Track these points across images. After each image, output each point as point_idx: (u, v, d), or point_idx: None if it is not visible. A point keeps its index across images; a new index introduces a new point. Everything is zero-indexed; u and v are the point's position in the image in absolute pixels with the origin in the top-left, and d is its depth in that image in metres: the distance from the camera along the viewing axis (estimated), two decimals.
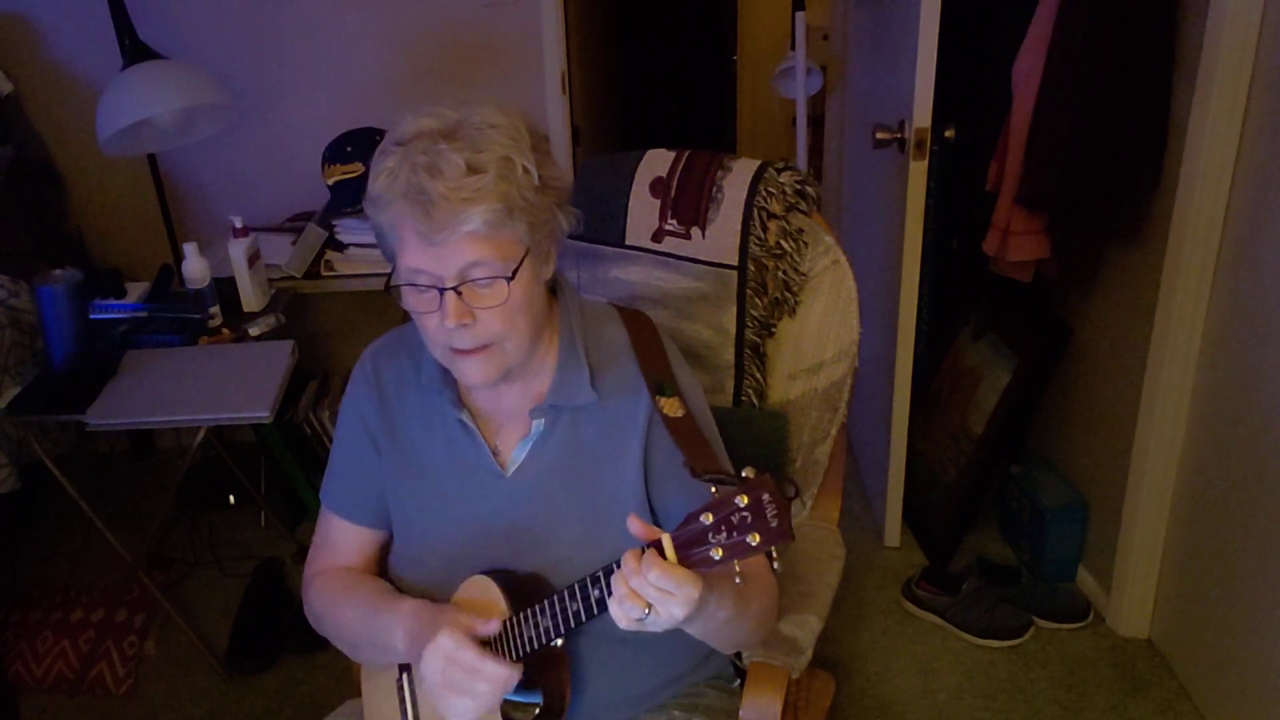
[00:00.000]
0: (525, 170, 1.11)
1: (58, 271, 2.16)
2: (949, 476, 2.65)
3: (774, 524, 0.94)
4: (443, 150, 1.08)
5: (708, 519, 0.96)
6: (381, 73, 2.88)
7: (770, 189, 1.56)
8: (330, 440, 1.82)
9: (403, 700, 1.28)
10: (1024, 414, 2.66)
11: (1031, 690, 2.20)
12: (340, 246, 2.57)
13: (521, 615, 1.16)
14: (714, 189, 1.58)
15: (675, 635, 1.06)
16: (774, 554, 0.99)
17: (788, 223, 1.57)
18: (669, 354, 1.30)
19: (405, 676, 1.29)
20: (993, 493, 2.69)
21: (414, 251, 1.11)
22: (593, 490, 1.23)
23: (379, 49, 2.87)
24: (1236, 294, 1.92)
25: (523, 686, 1.20)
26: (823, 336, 1.58)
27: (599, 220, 1.64)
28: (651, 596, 0.97)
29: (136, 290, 2.52)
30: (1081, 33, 2.02)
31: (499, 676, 1.11)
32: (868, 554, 2.64)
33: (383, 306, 1.54)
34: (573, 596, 1.10)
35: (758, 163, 1.59)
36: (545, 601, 1.13)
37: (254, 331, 2.32)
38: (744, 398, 1.62)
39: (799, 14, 2.95)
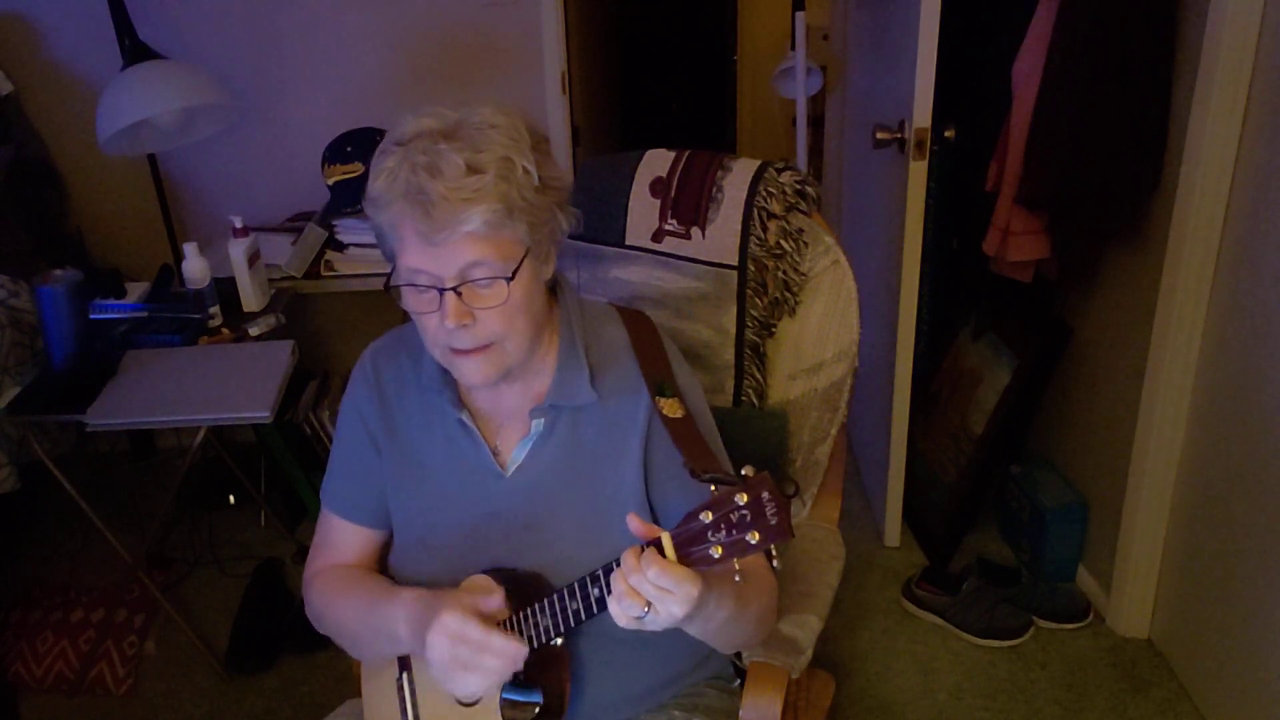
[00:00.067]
0: (525, 170, 1.11)
1: (58, 271, 2.16)
2: (949, 476, 2.65)
3: (773, 522, 0.94)
4: (442, 150, 1.08)
5: (707, 517, 0.96)
6: (381, 73, 2.88)
7: (770, 189, 1.56)
8: (330, 440, 1.82)
9: (402, 700, 1.28)
10: (1024, 414, 2.66)
11: (1031, 690, 2.20)
12: (340, 246, 2.57)
13: (521, 614, 1.16)
14: (714, 189, 1.58)
15: (675, 635, 1.06)
16: (774, 553, 0.99)
17: (788, 223, 1.57)
18: (669, 354, 1.30)
19: (405, 676, 1.29)
20: (993, 493, 2.69)
21: (414, 251, 1.11)
22: (592, 490, 1.23)
23: (379, 49, 2.87)
24: (1236, 294, 1.92)
25: (523, 686, 1.20)
26: (823, 336, 1.58)
27: (599, 220, 1.64)
28: (651, 595, 0.97)
29: (136, 290, 2.52)
30: (1081, 33, 2.02)
31: (508, 650, 1.10)
32: (868, 554, 2.64)
33: (383, 306, 1.54)
34: (572, 595, 1.10)
35: (758, 163, 1.59)
36: (545, 601, 1.13)
37: (254, 331, 2.32)
38: (744, 398, 1.62)
39: (799, 14, 2.95)
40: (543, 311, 1.22)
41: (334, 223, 2.57)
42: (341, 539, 1.37)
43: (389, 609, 1.22)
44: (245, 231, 2.38)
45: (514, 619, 1.16)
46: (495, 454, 1.27)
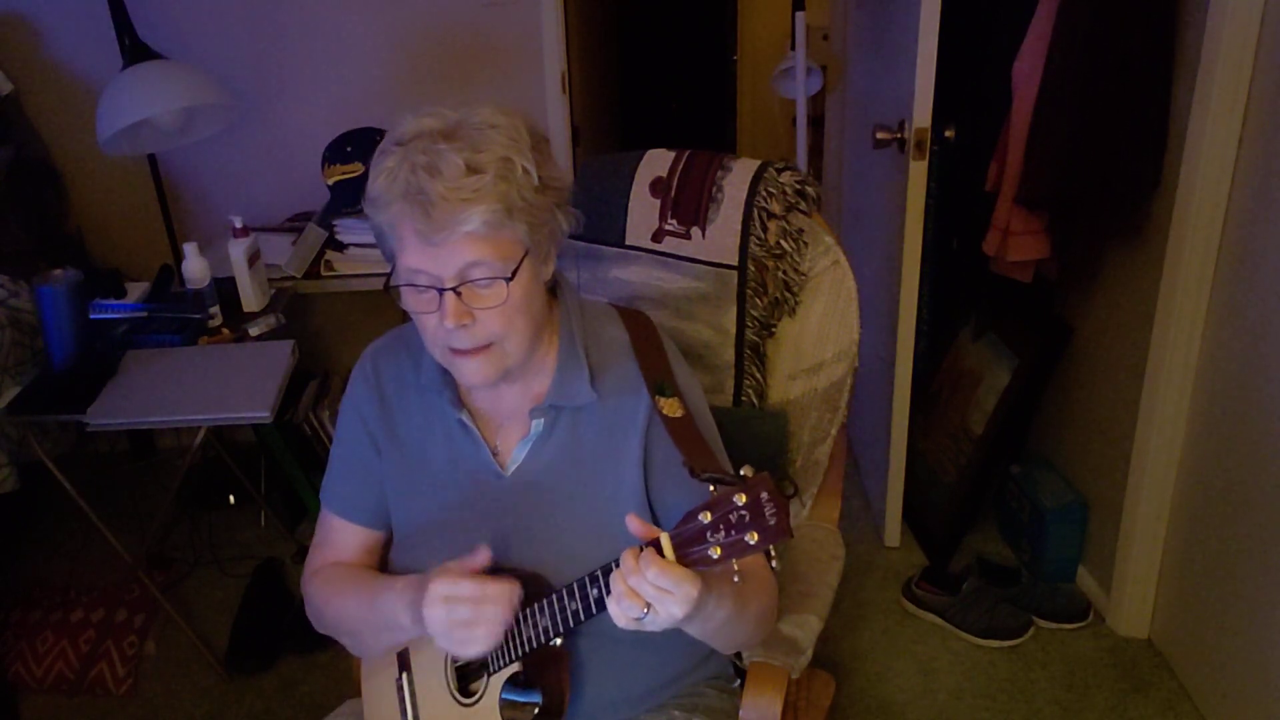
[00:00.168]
0: (525, 171, 1.11)
1: (58, 271, 2.16)
2: (949, 476, 2.65)
3: (772, 522, 0.94)
4: (442, 150, 1.08)
5: (706, 518, 0.96)
6: (381, 73, 2.88)
7: (770, 189, 1.56)
8: (330, 440, 1.82)
9: (402, 700, 1.29)
10: (1024, 414, 2.66)
11: (1031, 690, 2.20)
12: (340, 246, 2.57)
13: (521, 614, 1.16)
14: (714, 189, 1.58)
15: (675, 635, 1.06)
16: (773, 553, 0.99)
17: (788, 223, 1.57)
18: (669, 354, 1.30)
19: (405, 676, 1.29)
20: (993, 493, 2.69)
21: (413, 251, 1.11)
22: (592, 490, 1.23)
23: (379, 49, 2.87)
24: (1236, 294, 1.92)
25: (522, 686, 1.20)
26: (823, 336, 1.58)
27: (599, 220, 1.64)
28: (650, 595, 0.97)
29: (136, 290, 2.52)
30: (1081, 32, 2.02)
31: (503, 593, 1.10)
32: (868, 554, 2.64)
33: (383, 306, 1.54)
34: (571, 596, 1.10)
35: (758, 163, 1.59)
36: (544, 601, 1.13)
37: (254, 331, 2.32)
38: (744, 398, 1.62)
39: (799, 14, 2.95)
40: (542, 312, 1.22)
41: (334, 223, 2.57)
42: (341, 539, 1.37)
43: (387, 599, 1.22)
44: (245, 231, 2.38)
45: (514, 619, 1.16)
46: (495, 454, 1.27)
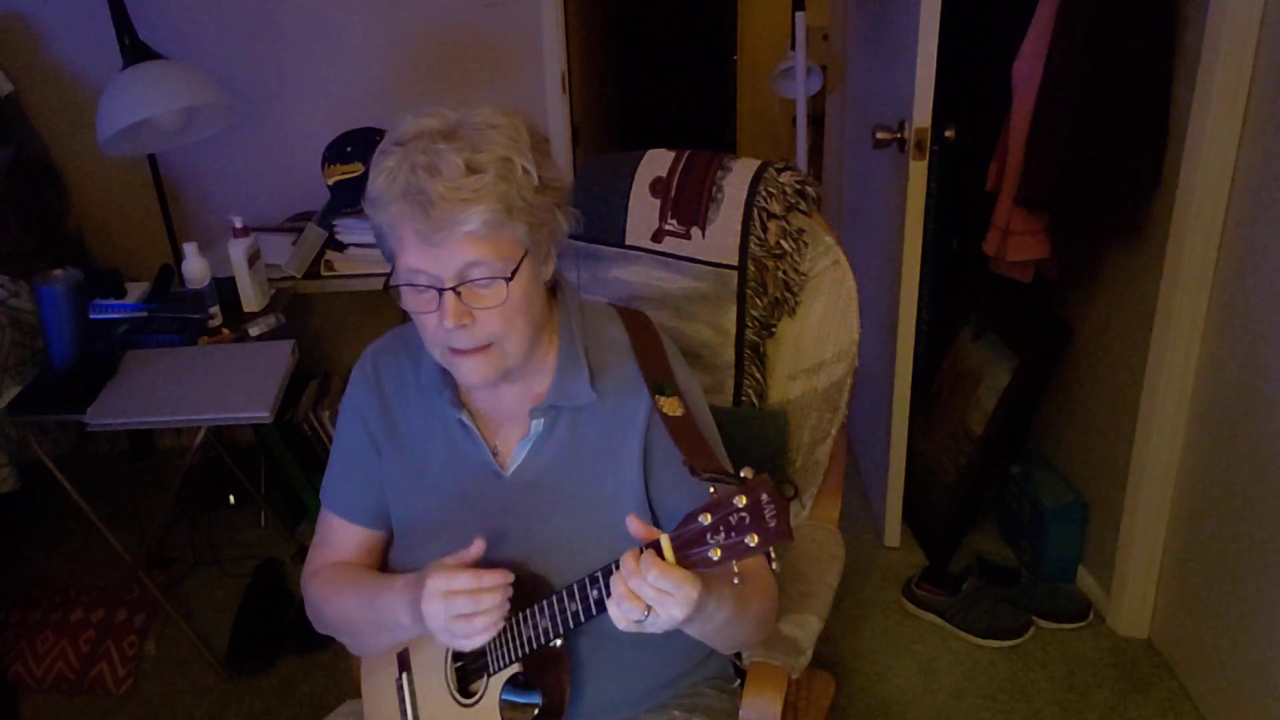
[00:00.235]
0: (525, 171, 1.11)
1: (58, 271, 2.16)
2: (949, 476, 2.65)
3: (772, 524, 0.94)
4: (442, 150, 1.08)
5: (706, 519, 0.96)
6: (381, 73, 2.88)
7: (770, 189, 1.56)
8: (330, 440, 1.82)
9: (402, 700, 1.29)
10: (1024, 414, 2.66)
11: (1031, 690, 2.20)
12: (340, 246, 2.57)
13: (521, 615, 1.16)
14: (714, 189, 1.58)
15: (675, 636, 1.06)
16: (773, 554, 0.99)
17: (788, 223, 1.57)
18: (668, 354, 1.30)
19: (405, 676, 1.29)
20: (993, 493, 2.69)
21: (413, 251, 1.11)
22: (592, 490, 1.23)
23: (379, 49, 2.87)
24: (1236, 294, 1.92)
25: (522, 687, 1.20)
26: (823, 336, 1.58)
27: (599, 220, 1.64)
28: (650, 597, 0.97)
29: (136, 290, 2.52)
30: (1081, 32, 2.02)
31: (499, 579, 1.11)
32: (868, 554, 2.64)
33: (383, 306, 1.54)
34: (571, 597, 1.10)
35: (758, 163, 1.59)
36: (544, 601, 1.13)
37: (254, 331, 2.32)
38: (744, 398, 1.62)
39: (799, 14, 2.95)
40: (542, 312, 1.22)
41: (334, 223, 2.57)
42: (341, 539, 1.37)
43: (387, 598, 1.22)
44: (245, 231, 2.38)
45: (513, 619, 1.16)
46: (495, 454, 1.27)
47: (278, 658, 2.38)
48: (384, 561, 1.38)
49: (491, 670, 1.23)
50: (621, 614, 0.99)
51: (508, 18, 2.84)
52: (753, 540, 0.94)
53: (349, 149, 2.56)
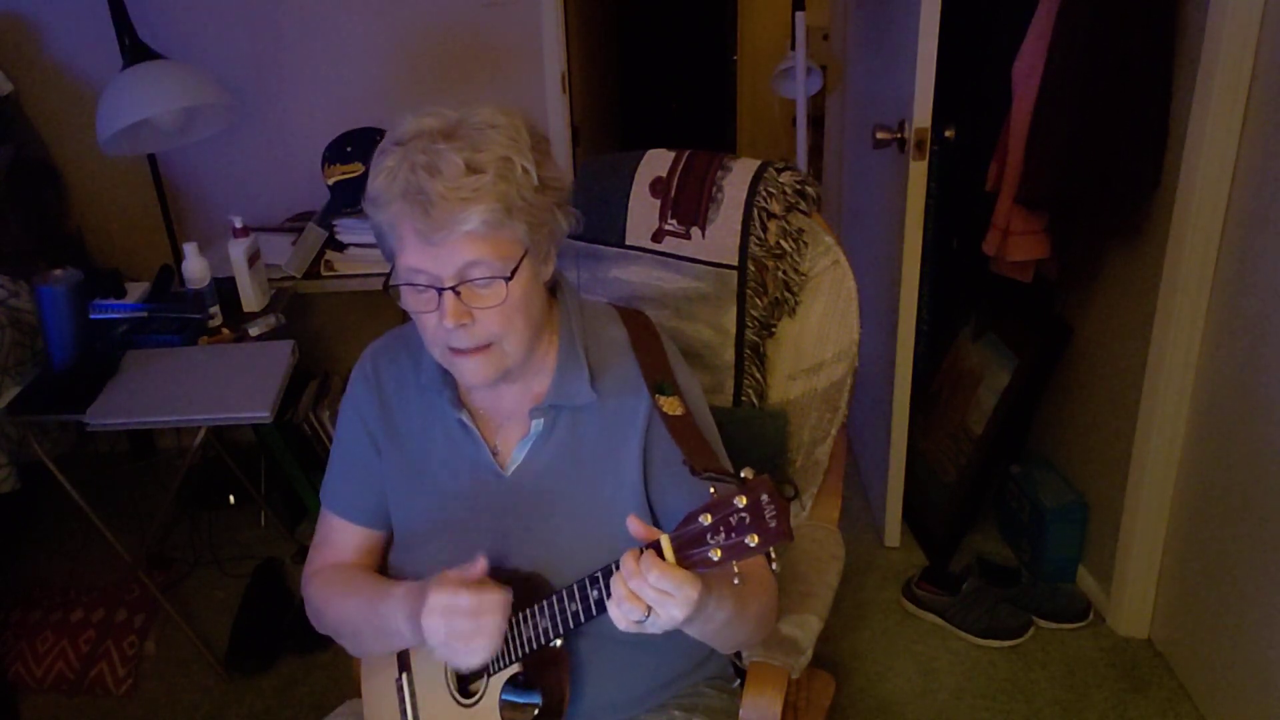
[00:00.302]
0: (524, 170, 1.11)
1: (58, 271, 2.16)
2: (949, 476, 2.65)
3: (772, 525, 0.94)
4: (442, 150, 1.08)
5: (706, 520, 0.96)
6: (381, 73, 2.88)
7: (770, 189, 1.56)
8: (330, 440, 1.82)
9: (402, 700, 1.29)
10: (1024, 414, 2.66)
11: (1031, 690, 2.20)
12: (340, 246, 2.57)
13: (521, 615, 1.16)
14: (714, 189, 1.58)
15: (675, 636, 1.06)
16: (773, 555, 0.99)
17: (788, 223, 1.57)
18: (668, 353, 1.30)
19: (405, 676, 1.29)
20: (993, 493, 2.69)
21: (413, 251, 1.11)
22: (592, 490, 1.23)
23: (379, 49, 2.87)
24: (1236, 294, 1.92)
25: (522, 687, 1.20)
26: (823, 336, 1.58)
27: (599, 220, 1.64)
28: (650, 598, 0.97)
29: (136, 290, 2.52)
30: (1081, 32, 2.02)
31: (499, 602, 1.11)
32: (868, 554, 2.64)
33: (383, 306, 1.54)
34: (571, 597, 1.10)
35: (758, 163, 1.59)
36: (544, 602, 1.13)
37: (254, 331, 2.32)
38: (744, 398, 1.62)
39: (799, 14, 2.95)
40: (542, 311, 1.22)
41: (334, 223, 2.57)
42: (341, 539, 1.37)
43: (387, 607, 1.22)
44: (245, 231, 2.38)
45: (513, 620, 1.16)
46: (495, 454, 1.27)
47: (278, 658, 2.38)
48: (384, 561, 1.38)
49: (491, 670, 1.23)
50: (622, 614, 0.99)
51: (508, 18, 2.84)
52: (753, 540, 0.94)
53: (349, 149, 2.56)
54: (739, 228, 1.56)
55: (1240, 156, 1.89)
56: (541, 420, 1.24)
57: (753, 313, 1.58)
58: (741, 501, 0.94)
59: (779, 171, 1.58)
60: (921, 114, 2.18)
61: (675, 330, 1.61)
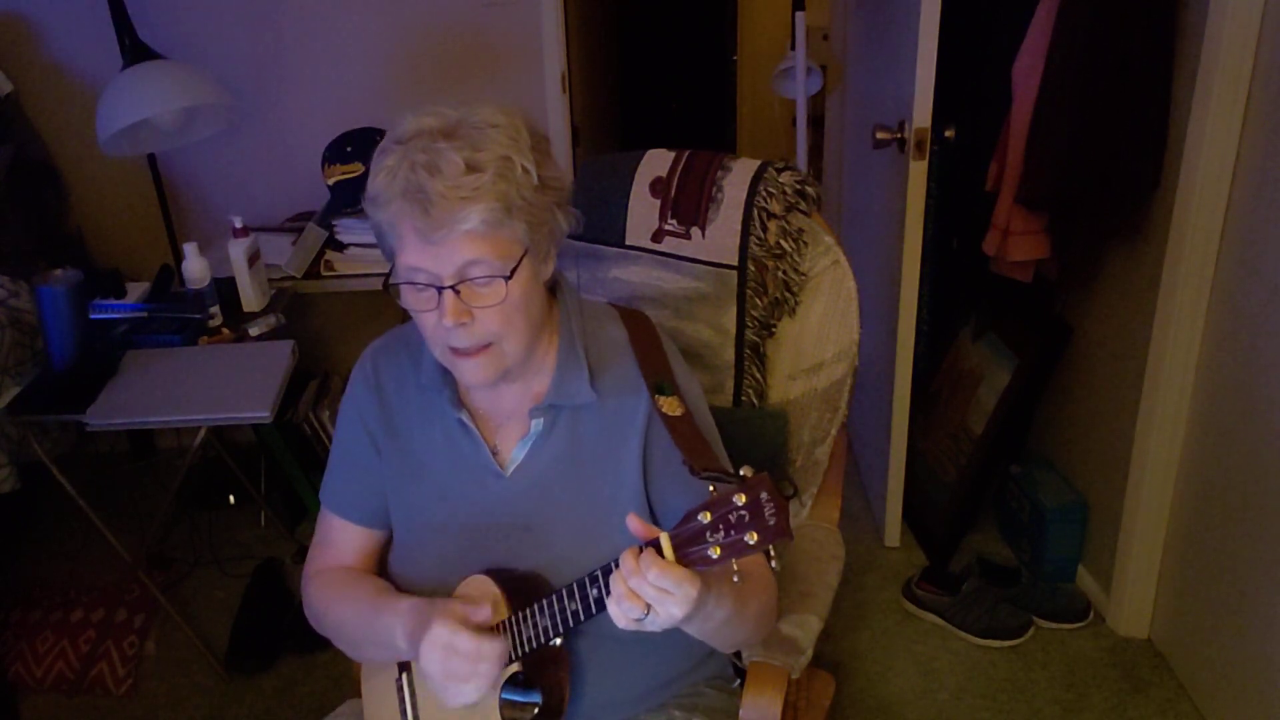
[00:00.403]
0: (524, 170, 1.11)
1: (58, 271, 2.16)
2: (949, 476, 2.65)
3: (772, 523, 0.94)
4: (442, 149, 1.08)
5: (706, 518, 0.96)
6: (381, 73, 2.89)
7: (770, 189, 1.56)
8: (330, 440, 1.82)
9: (402, 700, 1.28)
10: (1024, 414, 2.66)
11: (1031, 690, 2.20)
12: (340, 246, 2.57)
13: (521, 615, 1.16)
14: (714, 189, 1.58)
15: (675, 635, 1.06)
16: (772, 553, 0.99)
17: (788, 223, 1.57)
18: (668, 353, 1.30)
19: (405, 676, 1.29)
20: (993, 493, 2.69)
21: (412, 250, 1.11)
22: (592, 489, 1.23)
23: (379, 49, 2.87)
24: (1236, 294, 1.92)
25: (522, 686, 1.20)
26: (823, 336, 1.58)
27: (599, 220, 1.64)
28: (650, 596, 0.97)
29: (136, 290, 2.52)
30: (1081, 32, 2.02)
31: (498, 652, 1.12)
32: (868, 554, 2.64)
33: (383, 306, 1.54)
34: (571, 596, 1.10)
35: (758, 163, 1.59)
36: (544, 601, 1.13)
37: (254, 331, 2.32)
38: (744, 398, 1.62)
39: (799, 14, 2.95)
40: (542, 311, 1.22)
41: (334, 223, 2.57)
42: (341, 539, 1.37)
43: (387, 618, 1.22)
44: (245, 231, 2.38)
45: (513, 619, 1.16)
46: (495, 454, 1.27)
47: (278, 658, 2.38)
48: (384, 561, 1.38)
49: None
50: (621, 613, 0.99)
51: (508, 18, 2.84)
52: (752, 538, 0.94)
53: (349, 149, 2.56)
54: (739, 228, 1.56)
55: (1240, 156, 1.89)
56: (541, 420, 1.24)
57: (753, 313, 1.58)
58: (741, 499, 0.94)
59: (779, 171, 1.58)
60: (921, 114, 2.18)
61: (675, 330, 1.61)
